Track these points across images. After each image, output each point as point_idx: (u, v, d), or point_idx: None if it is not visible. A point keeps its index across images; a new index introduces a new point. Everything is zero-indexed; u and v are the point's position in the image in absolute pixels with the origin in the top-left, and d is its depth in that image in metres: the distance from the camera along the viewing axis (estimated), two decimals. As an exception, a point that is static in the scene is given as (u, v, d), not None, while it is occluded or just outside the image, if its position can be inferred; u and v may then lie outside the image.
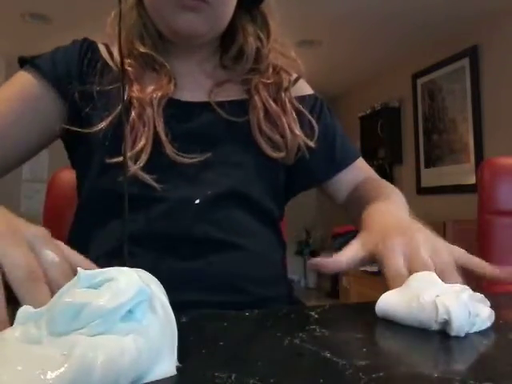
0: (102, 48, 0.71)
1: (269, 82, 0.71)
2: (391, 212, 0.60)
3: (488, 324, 0.40)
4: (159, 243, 0.61)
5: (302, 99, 0.74)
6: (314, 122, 0.72)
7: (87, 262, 0.41)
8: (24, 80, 0.66)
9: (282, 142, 0.68)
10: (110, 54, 0.70)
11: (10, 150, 0.65)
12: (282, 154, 0.68)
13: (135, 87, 0.65)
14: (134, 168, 0.60)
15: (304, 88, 0.78)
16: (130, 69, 0.66)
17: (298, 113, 0.72)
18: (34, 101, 0.65)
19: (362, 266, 0.54)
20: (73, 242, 0.68)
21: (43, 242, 0.37)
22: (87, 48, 0.69)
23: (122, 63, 0.62)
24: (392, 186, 0.77)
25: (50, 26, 3.01)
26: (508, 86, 2.83)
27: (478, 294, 0.41)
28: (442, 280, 0.45)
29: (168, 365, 0.31)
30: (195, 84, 0.71)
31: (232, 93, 0.71)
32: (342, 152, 0.77)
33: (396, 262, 0.48)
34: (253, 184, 0.67)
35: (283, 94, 0.71)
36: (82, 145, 0.66)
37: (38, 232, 0.38)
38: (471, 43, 3.07)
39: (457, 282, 0.46)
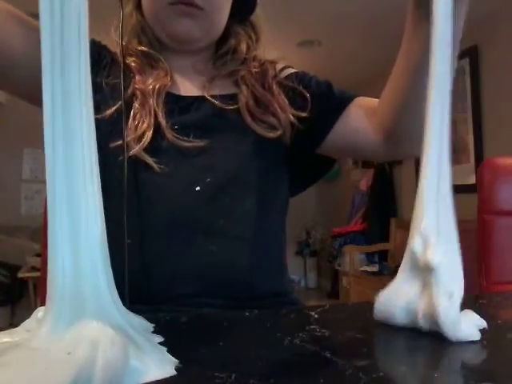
0: (108, 47, 0.75)
1: (254, 70, 0.74)
2: None
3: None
4: (159, 231, 0.62)
5: (289, 77, 0.76)
6: (304, 92, 0.73)
7: None
8: None
9: (276, 121, 0.70)
10: (115, 53, 0.74)
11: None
12: (279, 133, 0.69)
13: (137, 79, 0.69)
14: (137, 148, 0.62)
15: (291, 70, 0.80)
16: (133, 64, 0.71)
17: (288, 90, 0.74)
18: None
19: None
20: None
21: None
22: (99, 44, 0.74)
23: (123, 61, 0.67)
24: None
25: (49, 26, 3.01)
26: (508, 86, 2.83)
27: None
28: None
29: (167, 364, 0.31)
30: (188, 81, 0.74)
31: (223, 87, 0.73)
32: (341, 95, 0.75)
33: None
34: (252, 169, 0.68)
35: (270, 80, 0.74)
36: None
37: None
38: (471, 43, 3.06)
39: None
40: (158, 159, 0.63)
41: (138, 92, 0.67)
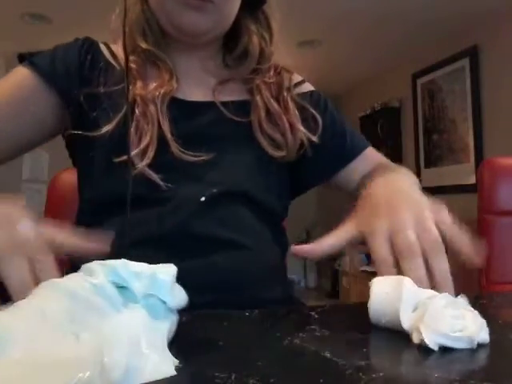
0: (103, 48, 0.70)
1: (270, 81, 0.72)
2: (388, 183, 0.58)
3: (478, 339, 0.36)
4: (164, 243, 0.60)
5: (304, 95, 0.74)
6: (317, 116, 0.72)
7: (64, 234, 0.41)
8: (19, 76, 0.66)
9: (283, 140, 0.68)
10: (111, 52, 0.69)
11: None
12: (283, 153, 0.68)
13: (138, 84, 0.64)
14: (141, 165, 0.59)
15: (308, 87, 0.78)
16: (133, 66, 0.66)
17: (301, 109, 0.72)
18: (26, 98, 0.65)
19: (352, 246, 0.53)
20: None
21: (16, 218, 0.38)
22: (88, 48, 0.69)
23: (127, 60, 0.63)
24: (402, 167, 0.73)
25: (50, 25, 3.01)
26: (508, 86, 2.83)
27: (466, 306, 0.39)
28: (429, 260, 0.44)
29: (167, 364, 0.31)
30: (198, 82, 0.70)
31: (235, 92, 0.70)
32: (352, 143, 0.76)
33: (381, 248, 0.47)
34: (257, 184, 0.67)
35: (285, 93, 0.71)
36: (88, 146, 0.65)
37: (11, 208, 0.39)
38: (471, 43, 3.06)
39: (443, 265, 0.45)
40: (162, 174, 0.61)
41: (138, 99, 0.63)
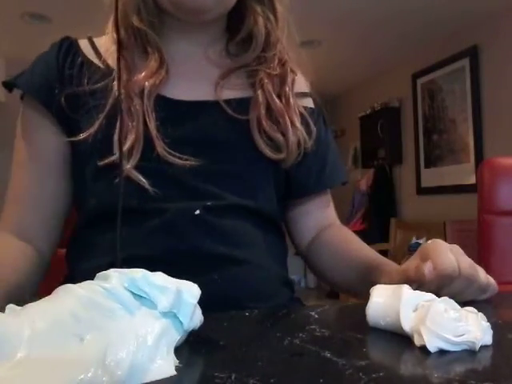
0: (84, 45, 0.65)
1: (274, 73, 0.67)
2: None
3: (481, 342, 0.35)
4: (158, 259, 0.56)
5: (304, 108, 0.70)
6: (312, 124, 0.68)
7: None
8: (24, 118, 0.65)
9: (283, 141, 0.63)
10: (95, 49, 0.64)
11: (53, 206, 0.64)
12: (282, 156, 0.63)
13: (124, 75, 0.59)
14: (127, 167, 0.55)
15: (309, 102, 0.74)
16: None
17: (300, 112, 0.68)
18: (37, 134, 0.64)
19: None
20: (71, 254, 0.65)
21: None
22: (67, 50, 0.64)
23: (119, 40, 0.58)
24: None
25: (50, 25, 3.00)
26: (508, 86, 2.82)
27: (471, 309, 0.39)
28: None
29: (168, 364, 0.31)
30: (198, 72, 0.66)
31: (237, 87, 0.66)
32: (331, 172, 0.73)
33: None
34: (254, 193, 0.63)
35: (287, 88, 0.67)
36: (75, 151, 0.62)
37: None
38: (471, 43, 3.06)
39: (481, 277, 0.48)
40: (150, 179, 0.57)
41: (122, 91, 0.58)
